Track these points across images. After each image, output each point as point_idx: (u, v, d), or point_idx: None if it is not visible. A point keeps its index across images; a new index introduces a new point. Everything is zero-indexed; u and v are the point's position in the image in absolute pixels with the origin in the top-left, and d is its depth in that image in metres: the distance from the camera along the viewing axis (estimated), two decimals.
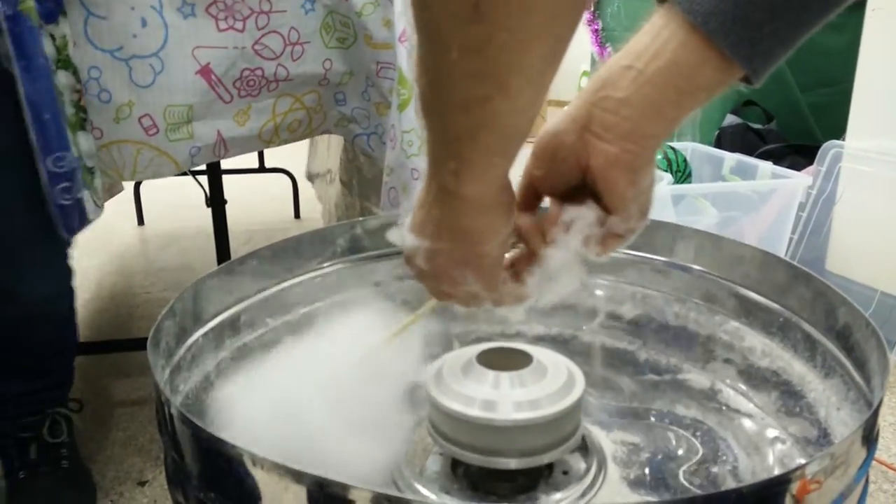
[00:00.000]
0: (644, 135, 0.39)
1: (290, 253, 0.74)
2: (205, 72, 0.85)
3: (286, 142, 1.02)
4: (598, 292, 0.79)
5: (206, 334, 0.65)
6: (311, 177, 1.89)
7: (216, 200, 1.12)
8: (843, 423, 0.56)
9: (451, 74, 0.36)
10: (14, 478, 0.90)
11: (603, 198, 0.41)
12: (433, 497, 0.55)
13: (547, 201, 0.46)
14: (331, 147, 1.55)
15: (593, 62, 2.49)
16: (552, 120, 0.42)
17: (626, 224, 0.41)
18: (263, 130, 0.97)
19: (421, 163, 0.93)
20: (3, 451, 0.91)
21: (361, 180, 1.32)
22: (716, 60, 0.36)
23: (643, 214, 0.42)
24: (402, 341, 0.54)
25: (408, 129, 0.92)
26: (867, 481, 0.47)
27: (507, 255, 0.47)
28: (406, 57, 0.91)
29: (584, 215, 0.42)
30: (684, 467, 0.61)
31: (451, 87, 0.36)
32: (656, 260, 0.76)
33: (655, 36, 0.37)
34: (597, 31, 2.12)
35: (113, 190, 1.67)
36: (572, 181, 0.42)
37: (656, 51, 0.37)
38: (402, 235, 0.44)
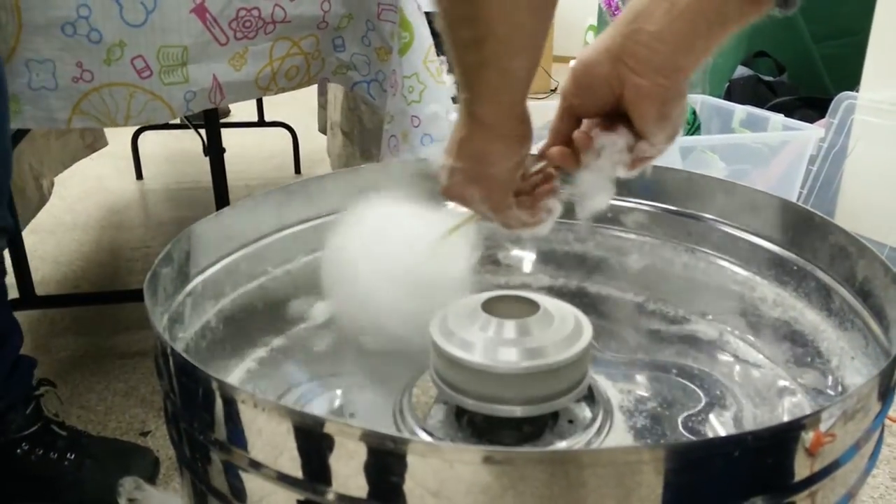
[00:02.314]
0: (675, 68, 0.40)
1: (291, 200, 0.72)
2: (199, 10, 0.82)
3: (283, 90, 0.99)
4: (605, 242, 0.78)
5: (204, 282, 0.64)
6: (325, 129, 1.87)
7: (214, 149, 1.09)
8: (857, 372, 0.55)
9: (450, 16, 0.41)
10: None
11: (634, 125, 0.44)
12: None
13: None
14: (337, 100, 1.52)
15: (600, 16, 2.43)
16: (587, 49, 0.44)
17: (655, 148, 0.44)
18: (260, 76, 0.94)
19: (421, 110, 0.90)
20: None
21: (362, 130, 1.30)
22: None
23: (671, 138, 0.44)
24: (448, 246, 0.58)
25: (409, 74, 0.89)
26: (882, 432, 0.46)
27: (526, 183, 0.51)
28: None
29: (615, 141, 0.44)
30: (690, 417, 0.60)
31: (454, 30, 0.42)
32: (666, 208, 0.74)
33: None
34: None
35: (95, 145, 1.63)
36: (606, 107, 0.45)
37: None
38: (435, 154, 0.51)
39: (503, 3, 0.39)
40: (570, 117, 0.48)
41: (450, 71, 0.51)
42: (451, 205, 0.57)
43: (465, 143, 0.47)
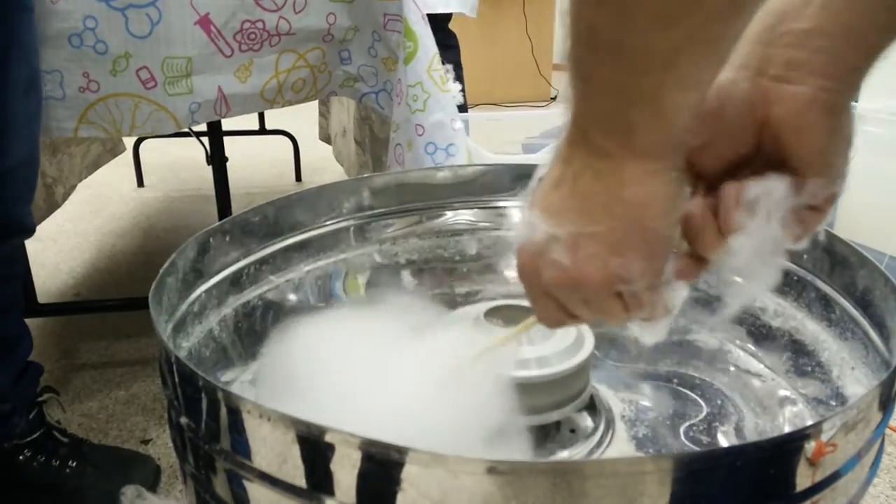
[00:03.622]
0: (844, 67, 0.31)
1: (293, 210, 0.72)
2: (203, 22, 0.83)
3: (290, 103, 0.99)
4: None
5: (208, 291, 0.64)
6: (326, 138, 1.87)
7: (217, 158, 1.10)
8: (857, 382, 0.55)
9: None
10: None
11: (793, 158, 0.32)
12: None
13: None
14: (348, 107, 1.54)
15: None
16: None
17: (829, 188, 0.32)
18: (266, 88, 0.94)
19: (425, 119, 0.90)
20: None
21: (373, 139, 1.31)
22: None
23: (844, 174, 0.33)
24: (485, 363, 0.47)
25: (413, 83, 0.89)
26: (883, 442, 0.47)
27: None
28: (413, 8, 0.88)
29: (774, 188, 0.32)
30: (692, 426, 0.60)
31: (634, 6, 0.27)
32: None
33: None
34: None
35: (115, 150, 1.65)
36: (743, 148, 0.33)
37: None
38: (525, 228, 0.35)
39: None
40: (689, 177, 0.34)
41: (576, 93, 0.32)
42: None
43: (603, 195, 0.32)
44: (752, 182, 0.33)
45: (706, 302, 0.72)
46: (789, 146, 0.32)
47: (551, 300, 0.36)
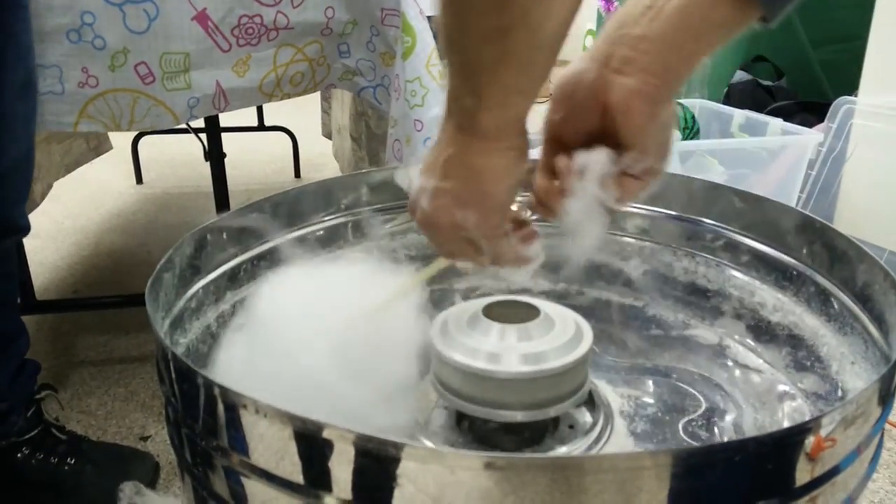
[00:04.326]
0: (663, 68, 0.39)
1: (291, 205, 0.72)
2: (201, 17, 0.82)
3: (289, 96, 0.99)
4: (606, 247, 0.78)
5: (205, 287, 0.64)
6: (329, 134, 1.87)
7: (215, 154, 1.09)
8: (857, 377, 0.55)
9: (475, 5, 0.37)
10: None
11: (620, 133, 0.40)
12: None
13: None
14: (344, 103, 1.53)
15: (599, 21, 2.44)
16: (571, 64, 0.42)
17: (644, 162, 0.40)
18: (264, 82, 0.94)
19: (423, 114, 0.90)
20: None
21: (370, 135, 1.30)
22: (730, 2, 0.36)
23: (661, 156, 0.41)
24: (406, 301, 0.52)
25: (411, 78, 0.89)
26: (882, 437, 0.46)
27: (516, 213, 0.46)
28: (411, 3, 0.88)
29: (597, 157, 0.41)
30: (691, 422, 0.60)
31: (476, 18, 0.37)
32: (665, 213, 0.74)
33: None
34: None
35: (100, 149, 1.63)
36: (591, 125, 0.41)
37: None
38: (410, 177, 0.44)
39: None
40: (554, 149, 0.44)
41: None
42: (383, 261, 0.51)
43: (456, 160, 0.42)
44: (580, 153, 0.41)
45: (703, 295, 0.72)
46: (618, 125, 0.40)
47: (429, 234, 0.46)
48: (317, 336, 0.48)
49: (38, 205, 1.40)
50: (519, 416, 0.51)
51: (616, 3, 2.06)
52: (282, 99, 0.99)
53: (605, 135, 0.41)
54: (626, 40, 0.39)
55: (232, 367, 0.50)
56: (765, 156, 1.34)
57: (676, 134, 1.33)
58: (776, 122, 1.39)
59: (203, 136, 1.16)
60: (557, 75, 0.42)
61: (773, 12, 0.37)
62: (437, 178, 0.42)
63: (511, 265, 0.47)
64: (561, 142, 0.44)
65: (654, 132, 0.40)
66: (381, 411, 0.48)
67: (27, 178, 0.78)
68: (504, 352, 0.51)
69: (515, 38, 0.37)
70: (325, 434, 0.37)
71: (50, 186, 1.44)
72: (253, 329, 0.52)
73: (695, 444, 0.57)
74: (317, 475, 0.38)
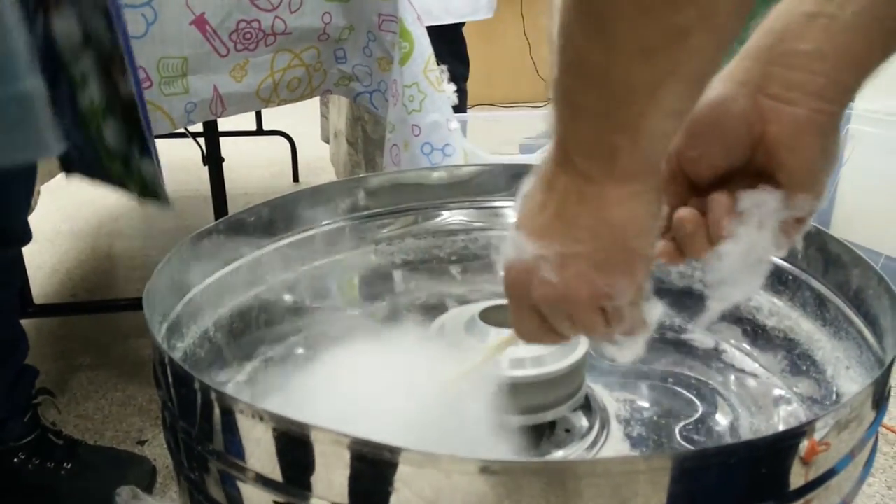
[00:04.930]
0: (841, 90, 0.32)
1: (289, 210, 0.72)
2: (199, 22, 0.83)
3: (286, 101, 0.99)
4: None
5: (203, 291, 0.64)
6: (328, 139, 1.88)
7: (213, 158, 1.10)
8: (852, 381, 0.55)
9: (630, 12, 0.28)
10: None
11: (784, 173, 0.34)
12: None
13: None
14: (341, 108, 1.54)
15: None
16: (708, 91, 0.34)
17: (815, 202, 0.34)
18: (262, 87, 0.94)
19: (421, 119, 0.90)
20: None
21: (366, 139, 1.31)
22: None
23: (824, 192, 0.35)
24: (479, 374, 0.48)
25: (409, 83, 0.89)
26: (876, 441, 0.47)
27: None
28: (408, 8, 0.88)
29: (766, 200, 0.34)
30: (687, 426, 0.61)
31: (631, 29, 0.28)
32: None
33: None
34: None
35: None
36: (737, 161, 0.35)
37: None
38: (513, 248, 0.36)
39: None
40: (678, 187, 0.36)
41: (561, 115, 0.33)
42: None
43: (588, 215, 0.33)
44: (744, 193, 0.34)
45: (700, 299, 0.72)
46: (782, 163, 0.33)
47: (535, 315, 0.37)
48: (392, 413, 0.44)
49: (32, 209, 1.40)
50: (515, 421, 0.51)
51: None
52: (279, 105, 0.99)
53: (752, 171, 0.35)
54: (789, 59, 0.32)
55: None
56: None
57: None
58: None
59: (201, 140, 1.16)
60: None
61: None
62: (563, 243, 0.34)
63: (637, 334, 0.38)
64: (686, 177, 0.36)
65: (823, 169, 0.34)
66: None
67: (30, 188, 0.78)
68: (500, 356, 0.51)
69: (693, 44, 0.28)
70: (321, 438, 0.37)
71: (39, 193, 1.44)
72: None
73: (690, 447, 0.57)
74: (312, 480, 0.38)
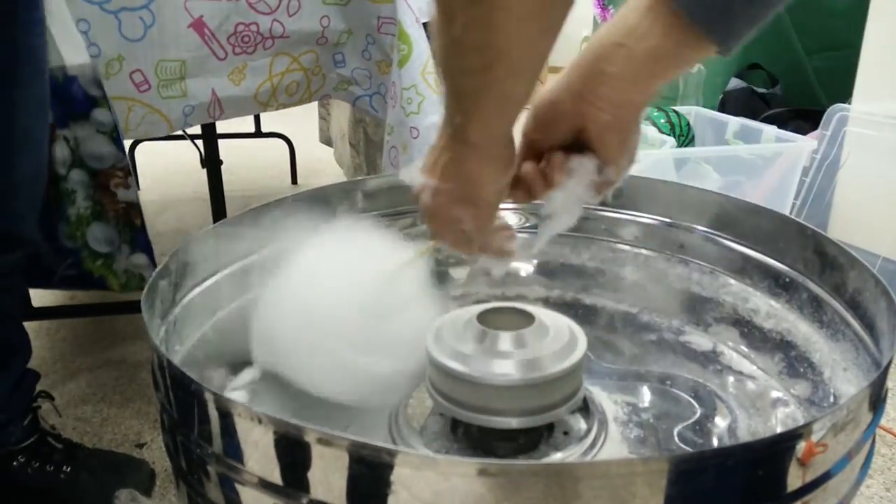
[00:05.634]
0: (633, 103, 0.45)
1: (287, 212, 0.72)
2: (197, 25, 0.83)
3: (284, 106, 1.00)
4: (600, 254, 0.78)
5: (202, 293, 0.64)
6: (327, 140, 1.88)
7: (211, 161, 1.10)
8: (849, 383, 0.55)
9: (458, 45, 0.41)
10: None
11: (598, 154, 0.47)
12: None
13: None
14: (344, 110, 1.54)
15: (595, 26, 2.45)
16: (547, 88, 0.47)
17: (618, 173, 0.48)
18: (260, 91, 0.94)
19: (420, 121, 0.91)
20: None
21: (367, 141, 1.31)
22: (695, 42, 0.41)
23: (631, 163, 0.49)
24: (412, 270, 0.58)
25: (407, 85, 0.90)
26: (873, 442, 0.47)
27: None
28: (407, 11, 0.88)
29: (585, 164, 0.48)
30: (685, 427, 0.61)
31: (459, 55, 0.42)
32: (659, 221, 0.75)
33: (643, 16, 0.42)
34: None
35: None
36: (566, 142, 0.48)
37: (644, 32, 0.42)
38: (413, 175, 0.50)
39: (519, 30, 0.40)
40: (530, 152, 0.51)
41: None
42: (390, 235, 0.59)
43: (452, 165, 0.48)
44: (572, 157, 0.48)
45: (697, 301, 0.73)
46: (593, 148, 0.47)
47: (428, 222, 0.53)
48: (339, 294, 0.55)
49: None
50: (513, 423, 0.51)
51: (611, 10, 2.07)
52: (277, 109, 0.99)
53: (579, 147, 0.48)
54: (602, 78, 0.44)
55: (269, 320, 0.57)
56: (759, 163, 1.34)
57: (668, 145, 1.35)
58: (770, 130, 1.40)
59: (200, 142, 1.16)
60: (536, 98, 0.48)
61: (728, 48, 0.42)
62: (438, 179, 0.48)
63: (494, 256, 0.54)
64: (534, 148, 0.51)
65: (626, 153, 0.47)
66: (388, 358, 0.55)
67: (39, 193, 0.78)
68: (498, 359, 0.51)
69: (494, 74, 0.42)
70: (320, 441, 0.37)
71: None
72: (286, 283, 0.59)
73: (688, 449, 0.58)
74: (311, 482, 0.38)
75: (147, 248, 0.90)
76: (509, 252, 0.53)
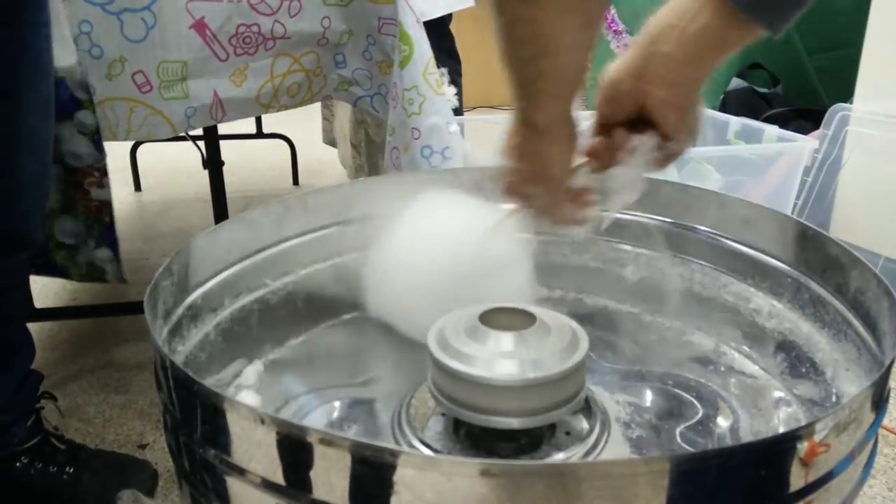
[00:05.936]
0: (688, 80, 0.48)
1: (289, 213, 0.72)
2: (199, 26, 0.83)
3: (286, 107, 1.00)
4: (602, 254, 0.78)
5: (204, 294, 0.64)
6: (331, 141, 1.88)
7: (213, 161, 1.10)
8: (851, 382, 0.55)
9: (510, 38, 0.48)
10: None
11: (660, 130, 0.51)
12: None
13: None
14: (346, 110, 1.54)
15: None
16: (611, 70, 0.52)
17: (680, 146, 0.52)
18: (262, 93, 0.95)
19: (421, 122, 0.91)
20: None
21: (369, 142, 1.31)
22: (742, 23, 0.44)
23: (693, 138, 0.52)
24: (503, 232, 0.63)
25: (409, 86, 0.90)
26: (876, 442, 0.47)
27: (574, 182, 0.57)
28: (408, 11, 0.88)
29: (646, 141, 0.51)
30: (687, 428, 0.61)
31: (512, 47, 0.49)
32: (661, 221, 0.75)
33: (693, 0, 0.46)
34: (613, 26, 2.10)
35: None
36: (631, 116, 0.52)
37: (694, 14, 0.45)
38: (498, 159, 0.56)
39: (561, 24, 0.46)
40: (602, 128, 0.55)
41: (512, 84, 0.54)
42: (487, 203, 0.64)
43: (523, 147, 0.53)
44: (635, 135, 0.52)
45: (699, 302, 0.73)
46: (654, 124, 0.51)
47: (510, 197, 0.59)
48: (444, 250, 0.62)
49: None
50: (515, 423, 0.51)
51: (624, 37, 2.09)
52: (279, 110, 0.99)
53: (644, 122, 0.51)
54: (657, 58, 0.47)
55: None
56: (761, 163, 1.34)
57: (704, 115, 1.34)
58: (772, 130, 1.39)
59: (201, 143, 1.16)
60: (603, 78, 0.53)
61: (777, 29, 0.44)
62: (513, 161, 0.54)
63: (571, 224, 0.58)
64: (605, 124, 0.55)
65: (685, 128, 0.51)
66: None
67: (44, 193, 0.78)
68: (500, 359, 0.52)
69: (543, 64, 0.48)
70: (322, 441, 0.37)
71: None
72: (396, 240, 0.65)
73: (690, 450, 0.58)
74: (314, 482, 0.38)
75: (113, 244, 0.95)
76: (585, 220, 0.57)
